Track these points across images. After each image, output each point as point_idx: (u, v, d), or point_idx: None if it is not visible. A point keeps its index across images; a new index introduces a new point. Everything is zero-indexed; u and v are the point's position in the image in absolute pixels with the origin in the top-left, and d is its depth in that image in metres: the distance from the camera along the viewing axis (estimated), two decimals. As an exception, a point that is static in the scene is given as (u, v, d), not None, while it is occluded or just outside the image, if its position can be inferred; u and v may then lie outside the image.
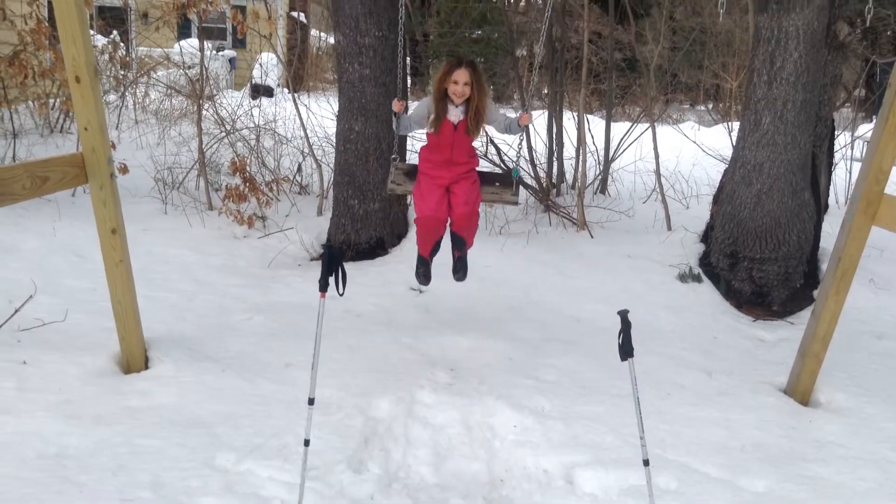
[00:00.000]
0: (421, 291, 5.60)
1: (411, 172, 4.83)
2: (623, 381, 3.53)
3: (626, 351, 3.42)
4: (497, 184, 4.86)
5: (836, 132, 7.24)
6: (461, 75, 4.45)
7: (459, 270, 4.98)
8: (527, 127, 4.76)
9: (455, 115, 4.57)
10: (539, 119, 9.78)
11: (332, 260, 3.48)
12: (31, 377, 4.13)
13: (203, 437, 3.75)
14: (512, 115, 4.85)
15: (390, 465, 3.79)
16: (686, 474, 3.68)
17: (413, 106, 4.84)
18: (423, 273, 4.92)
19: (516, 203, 4.91)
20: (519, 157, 4.94)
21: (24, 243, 6.10)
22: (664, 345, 5.36)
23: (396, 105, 4.60)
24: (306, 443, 3.29)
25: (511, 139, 9.10)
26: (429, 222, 4.60)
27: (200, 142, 7.93)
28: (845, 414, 4.47)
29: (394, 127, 4.71)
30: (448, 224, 4.73)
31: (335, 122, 7.04)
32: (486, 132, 8.63)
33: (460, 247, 4.89)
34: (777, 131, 5.97)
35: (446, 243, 4.87)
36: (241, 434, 3.80)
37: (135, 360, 4.45)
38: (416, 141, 7.87)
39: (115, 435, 3.68)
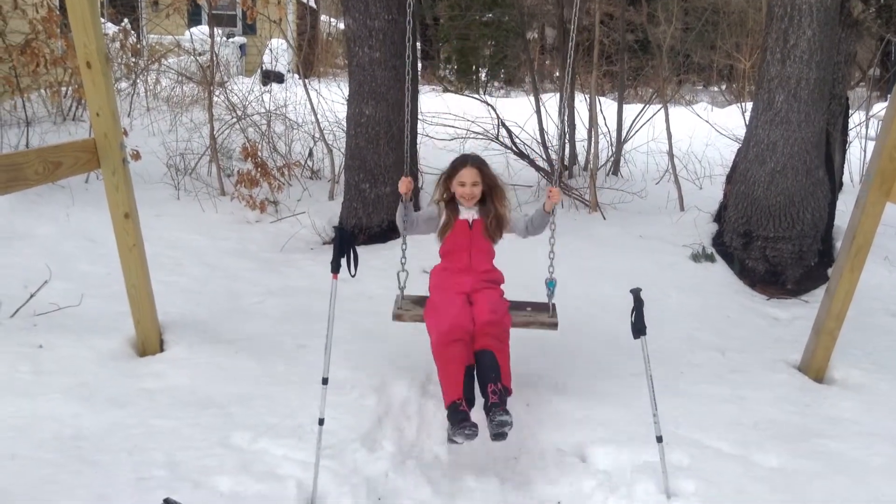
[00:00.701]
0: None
1: (420, 301, 4.19)
2: (636, 360, 3.53)
3: (638, 329, 3.42)
4: (528, 308, 4.19)
5: (850, 111, 7.18)
6: (468, 175, 3.98)
7: (500, 423, 3.47)
8: (554, 211, 4.12)
9: (469, 214, 4.06)
10: (550, 101, 9.75)
11: (344, 241, 3.49)
12: (46, 361, 4.17)
13: (217, 417, 3.77)
14: (521, 217, 4.26)
15: (404, 444, 3.81)
16: (699, 450, 3.68)
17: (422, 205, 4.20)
18: (461, 421, 3.49)
19: (555, 326, 4.09)
20: (553, 277, 4.20)
21: (38, 229, 6.15)
22: (677, 324, 5.35)
23: (403, 185, 3.93)
24: (321, 422, 3.30)
25: (521, 118, 9.05)
26: (452, 333, 3.68)
27: (212, 128, 7.95)
28: (860, 390, 4.45)
29: (398, 221, 4.08)
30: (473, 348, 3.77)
31: (346, 107, 7.04)
32: (496, 112, 8.60)
33: (492, 373, 3.65)
34: (791, 109, 5.93)
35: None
36: (255, 414, 3.83)
37: (150, 342, 4.49)
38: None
39: (130, 416, 3.71)
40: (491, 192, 4.07)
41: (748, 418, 4.06)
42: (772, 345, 5.10)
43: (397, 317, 4.10)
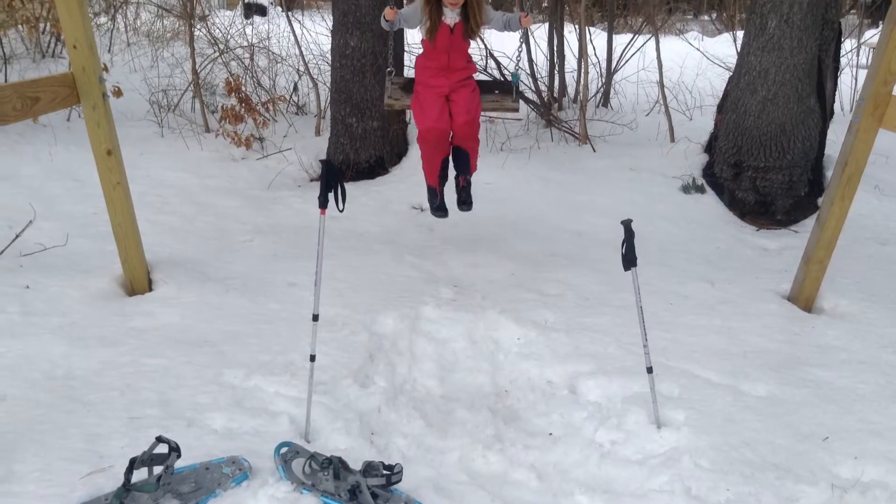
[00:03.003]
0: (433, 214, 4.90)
1: (408, 86, 4.66)
2: (626, 293, 3.53)
3: (629, 260, 3.39)
4: (496, 91, 4.72)
5: (842, 37, 7.07)
6: None
7: (465, 201, 4.77)
8: (526, 29, 4.56)
9: (451, 17, 4.35)
10: (540, 31, 9.57)
11: (331, 175, 3.42)
12: (34, 301, 4.14)
13: (209, 355, 3.77)
14: (500, 16, 4.59)
15: (396, 379, 3.83)
16: (688, 380, 3.71)
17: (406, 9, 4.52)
18: (438, 206, 4.76)
19: (516, 110, 4.73)
20: (518, 69, 4.72)
21: (22, 169, 6.05)
22: (667, 256, 5.35)
23: (388, 12, 4.31)
24: (312, 358, 3.29)
25: (510, 48, 8.89)
26: (431, 133, 4.40)
27: (193, 62, 7.78)
28: (848, 319, 4.48)
29: (383, 26, 4.38)
30: (451, 141, 4.56)
31: (330, 39, 6.89)
32: (485, 44, 8.45)
33: (464, 168, 4.67)
34: (783, 35, 5.83)
35: (451, 183, 4.73)
36: (247, 352, 3.82)
37: (138, 282, 4.46)
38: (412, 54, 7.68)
39: (121, 355, 3.70)
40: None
41: (737, 348, 4.09)
42: (761, 275, 5.10)
43: (389, 105, 4.65)
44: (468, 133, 4.50)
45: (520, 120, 8.24)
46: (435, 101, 4.40)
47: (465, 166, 4.65)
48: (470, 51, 4.59)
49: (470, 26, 4.36)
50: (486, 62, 8.36)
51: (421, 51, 4.58)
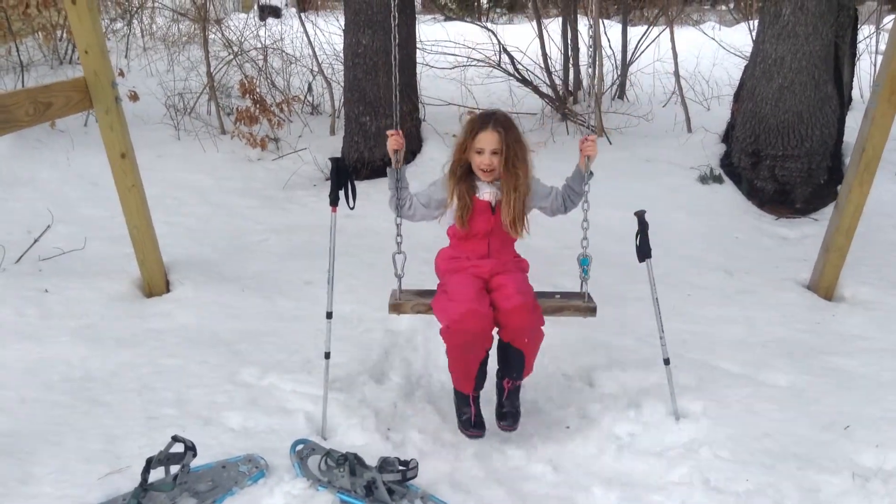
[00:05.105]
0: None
1: (425, 293, 3.35)
2: (642, 285, 3.49)
3: (643, 252, 3.36)
4: (557, 296, 3.34)
5: (859, 23, 6.98)
6: (488, 140, 3.08)
7: (510, 414, 3.23)
8: (591, 175, 3.28)
9: (490, 193, 3.20)
10: (553, 25, 9.52)
11: (341, 173, 3.43)
12: (53, 304, 4.19)
13: (225, 354, 3.79)
14: (548, 190, 3.35)
15: (412, 375, 3.83)
16: (707, 371, 3.67)
17: (422, 184, 3.39)
18: (471, 419, 3.23)
19: (594, 312, 3.24)
20: (587, 253, 3.32)
21: (40, 174, 6.12)
22: (685, 247, 5.31)
23: (392, 141, 3.19)
24: (327, 355, 3.30)
25: (523, 43, 8.77)
26: (467, 320, 2.96)
27: (208, 65, 7.82)
28: (869, 307, 4.43)
29: (389, 202, 3.31)
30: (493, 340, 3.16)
31: (343, 38, 6.89)
32: (497, 39, 8.41)
33: (515, 370, 3.18)
34: (798, 22, 5.77)
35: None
36: (262, 350, 3.84)
37: (155, 283, 4.49)
38: (426, 51, 7.61)
39: (139, 356, 3.73)
40: (516, 166, 3.14)
41: (756, 338, 4.05)
42: (781, 264, 5.05)
43: (395, 307, 3.30)
44: (526, 322, 3.05)
45: (534, 114, 8.20)
46: (470, 283, 3.10)
47: (517, 368, 3.18)
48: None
49: (513, 216, 3.14)
50: (500, 57, 8.32)
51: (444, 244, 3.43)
